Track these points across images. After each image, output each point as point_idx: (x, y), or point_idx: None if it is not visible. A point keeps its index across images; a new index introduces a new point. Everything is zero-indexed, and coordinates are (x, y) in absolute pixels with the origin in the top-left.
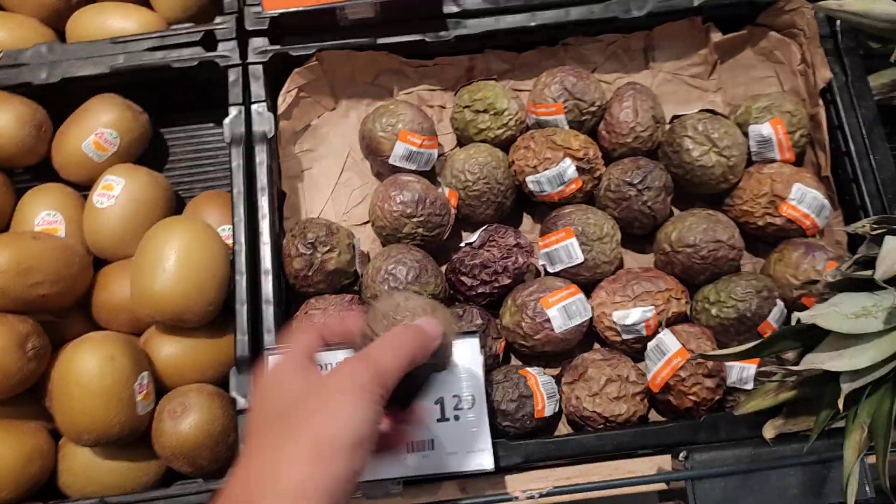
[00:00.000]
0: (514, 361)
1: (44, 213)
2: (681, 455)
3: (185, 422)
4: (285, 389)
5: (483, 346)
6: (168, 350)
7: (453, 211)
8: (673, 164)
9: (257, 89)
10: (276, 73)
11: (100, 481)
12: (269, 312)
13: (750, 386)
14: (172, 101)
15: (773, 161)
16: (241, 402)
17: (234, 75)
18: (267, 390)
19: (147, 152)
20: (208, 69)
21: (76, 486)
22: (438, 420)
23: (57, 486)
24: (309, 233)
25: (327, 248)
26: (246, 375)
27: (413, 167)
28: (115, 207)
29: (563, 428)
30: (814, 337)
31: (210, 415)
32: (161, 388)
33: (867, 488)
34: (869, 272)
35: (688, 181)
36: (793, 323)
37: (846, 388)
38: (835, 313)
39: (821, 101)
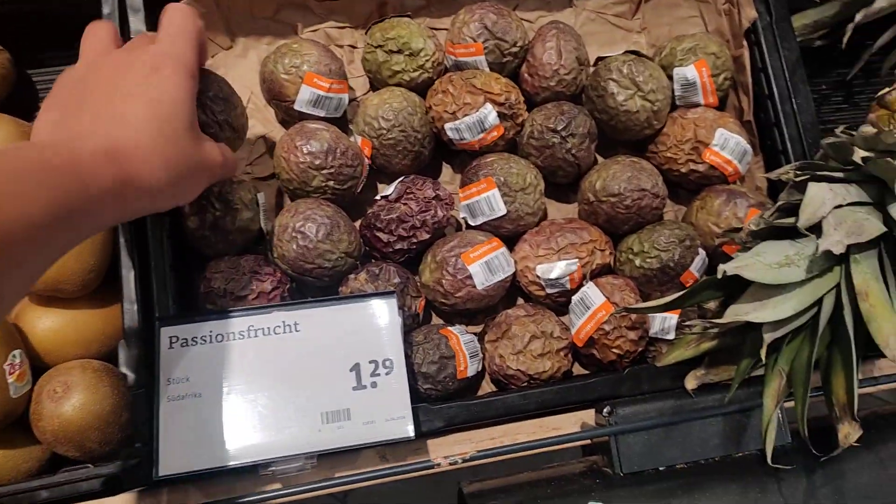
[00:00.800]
0: (435, 320)
1: None
2: (604, 410)
3: (68, 403)
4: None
5: (401, 307)
6: (46, 324)
7: (367, 162)
8: (597, 109)
9: (137, 23)
10: (160, 5)
11: None
12: (159, 278)
13: (671, 336)
14: (38, 37)
15: (697, 105)
16: (133, 378)
17: (108, 7)
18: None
19: (11, 98)
20: None
21: None
22: (354, 388)
23: None
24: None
25: (226, 205)
26: (136, 348)
27: (321, 113)
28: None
29: (487, 386)
30: (736, 286)
31: (97, 394)
32: (40, 367)
33: (785, 434)
34: (791, 219)
35: (612, 127)
36: (718, 275)
37: (768, 337)
38: (759, 263)
39: (745, 43)
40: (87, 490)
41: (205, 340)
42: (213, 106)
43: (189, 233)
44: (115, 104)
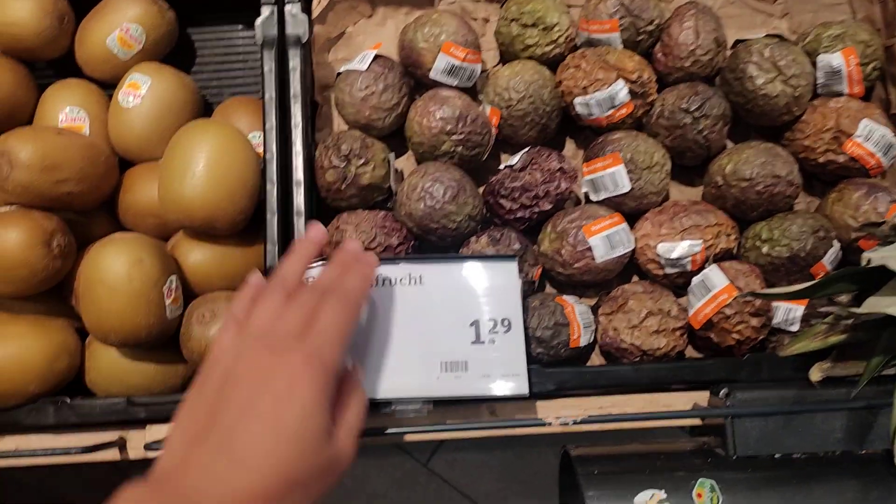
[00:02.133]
0: (549, 290)
1: (67, 109)
2: (721, 392)
3: (214, 328)
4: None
5: (520, 271)
6: (196, 257)
7: (494, 131)
8: (733, 91)
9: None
10: None
11: (126, 382)
12: (300, 224)
13: (796, 328)
14: None
15: (840, 94)
16: None
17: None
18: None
19: (173, 53)
20: None
21: (102, 384)
22: (472, 343)
23: (84, 384)
24: (343, 144)
25: (362, 162)
26: None
27: (454, 82)
28: (141, 107)
29: (596, 360)
30: (872, 280)
31: None
32: (189, 295)
33: None
34: None
35: (748, 111)
36: (862, 263)
37: None
38: None
39: None
40: None
41: None
42: None
43: (325, 186)
44: (240, 432)
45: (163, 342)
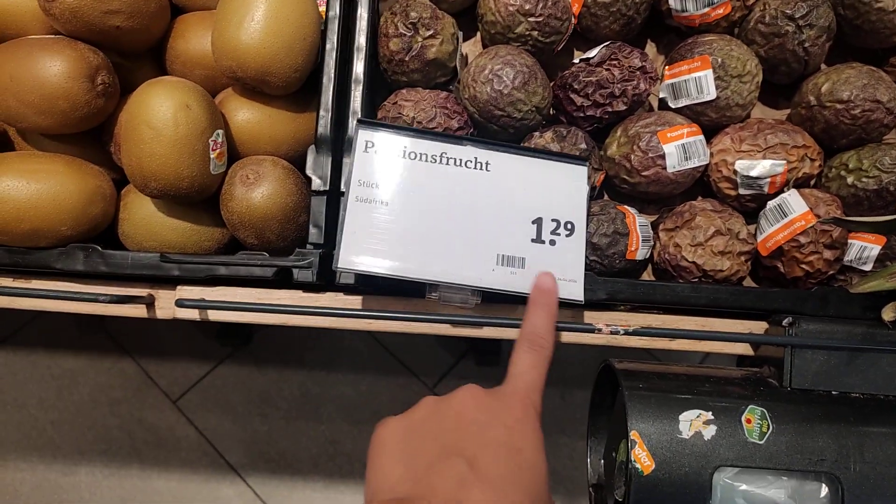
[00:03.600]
0: (607, 199)
1: None
2: (785, 321)
3: (258, 190)
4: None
5: (589, 176)
6: (245, 115)
7: (573, 20)
8: (844, 3)
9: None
10: None
11: (160, 237)
12: (357, 94)
13: (868, 267)
14: None
15: None
16: (317, 183)
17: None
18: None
19: None
20: None
21: (136, 237)
22: (533, 241)
23: (117, 237)
24: (412, 12)
25: (430, 33)
26: (324, 155)
27: None
28: None
29: (648, 277)
30: None
31: (283, 188)
32: (234, 155)
33: None
34: None
35: (856, 27)
36: None
37: None
38: None
39: None
40: (259, 276)
41: (399, 154)
42: None
43: (387, 56)
44: (481, 455)
45: (202, 199)
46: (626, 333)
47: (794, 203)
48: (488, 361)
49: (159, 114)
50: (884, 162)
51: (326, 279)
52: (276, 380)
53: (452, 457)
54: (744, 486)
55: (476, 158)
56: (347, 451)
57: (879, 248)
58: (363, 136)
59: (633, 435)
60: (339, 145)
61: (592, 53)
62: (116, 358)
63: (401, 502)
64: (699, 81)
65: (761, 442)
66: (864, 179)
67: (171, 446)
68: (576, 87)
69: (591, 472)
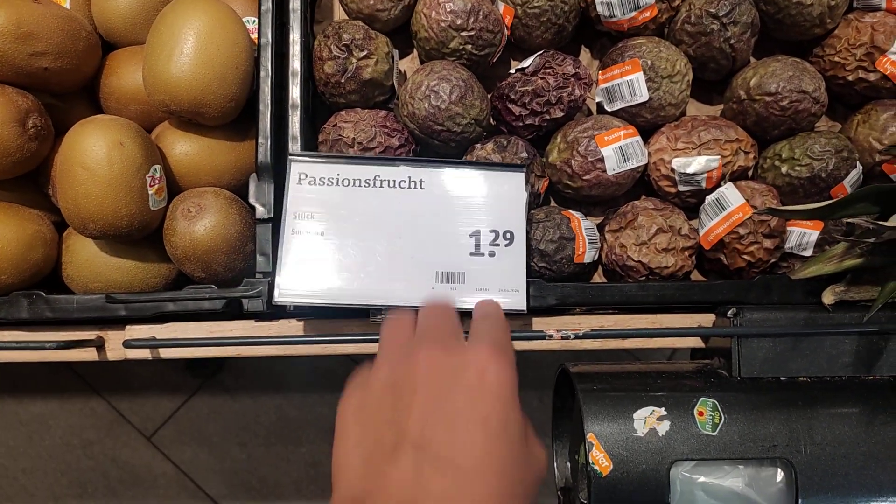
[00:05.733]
0: (554, 204)
1: None
2: (730, 312)
3: (201, 223)
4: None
5: (527, 182)
6: (183, 148)
7: (506, 31)
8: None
9: None
10: None
11: (105, 278)
12: (294, 119)
13: (808, 252)
14: None
15: (878, 9)
16: (261, 211)
17: None
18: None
19: None
20: None
21: (80, 280)
22: (472, 254)
23: (61, 280)
24: (345, 34)
25: (364, 54)
26: (266, 183)
27: None
28: None
29: (599, 279)
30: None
31: (227, 219)
32: (175, 189)
33: None
34: None
35: (778, 21)
36: (892, 176)
37: None
38: None
39: None
40: (208, 309)
41: (332, 182)
42: None
43: (323, 79)
44: (440, 432)
45: (145, 236)
46: (577, 337)
47: (731, 196)
48: None
49: (92, 154)
50: (814, 150)
51: (278, 307)
52: (251, 406)
53: (406, 443)
54: (702, 478)
55: (410, 178)
56: (329, 472)
57: (818, 233)
58: (296, 169)
59: (590, 437)
60: (280, 171)
61: (527, 63)
62: (86, 398)
63: (355, 502)
64: (631, 84)
65: (714, 433)
66: (797, 168)
67: (149, 483)
68: (513, 97)
69: (559, 475)
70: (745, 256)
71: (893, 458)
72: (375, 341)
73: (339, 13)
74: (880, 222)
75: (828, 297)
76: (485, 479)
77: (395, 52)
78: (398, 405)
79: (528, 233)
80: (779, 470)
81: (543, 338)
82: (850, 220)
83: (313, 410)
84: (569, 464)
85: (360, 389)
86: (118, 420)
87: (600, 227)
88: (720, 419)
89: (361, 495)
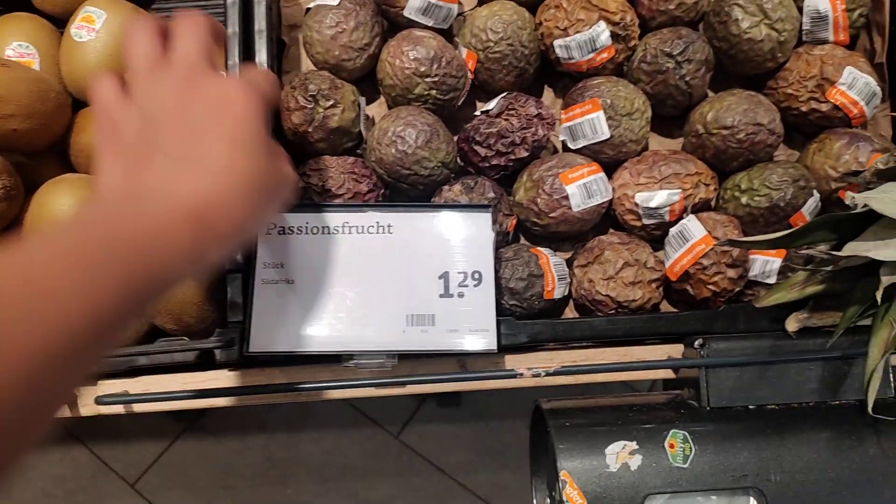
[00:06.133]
0: (524, 242)
1: (15, 44)
2: (696, 342)
3: None
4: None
5: (494, 222)
6: None
7: (470, 75)
8: (717, 36)
9: None
10: None
11: None
12: None
13: (772, 280)
14: None
15: (825, 42)
16: (231, 261)
17: None
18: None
19: None
20: None
21: None
22: (441, 296)
23: None
24: (311, 84)
25: (330, 103)
26: None
27: (429, 23)
28: (95, 42)
29: (570, 313)
30: (853, 229)
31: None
32: None
33: (888, 387)
34: None
35: (731, 57)
36: (847, 202)
37: (886, 280)
38: (888, 198)
39: None
40: (181, 361)
41: (301, 230)
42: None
43: (291, 128)
44: (190, 144)
45: None
46: (548, 374)
47: (693, 228)
48: (450, 402)
49: (62, 213)
50: (772, 180)
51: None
52: (237, 448)
53: (158, 154)
54: None
55: (378, 223)
56: None
57: (780, 260)
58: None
59: (563, 475)
60: None
61: (491, 105)
62: (67, 447)
63: (116, 203)
64: (593, 123)
65: (686, 465)
66: (756, 198)
67: None
68: (478, 139)
69: None
70: (710, 287)
71: (861, 482)
72: (349, 386)
73: (306, 64)
74: (834, 252)
75: (791, 325)
76: (229, 178)
77: (362, 100)
78: (151, 126)
79: (497, 271)
80: (751, 498)
81: (514, 376)
82: (807, 252)
83: (299, 449)
84: (548, 500)
85: (115, 110)
86: (101, 468)
87: (569, 262)
88: (691, 451)
89: (122, 195)
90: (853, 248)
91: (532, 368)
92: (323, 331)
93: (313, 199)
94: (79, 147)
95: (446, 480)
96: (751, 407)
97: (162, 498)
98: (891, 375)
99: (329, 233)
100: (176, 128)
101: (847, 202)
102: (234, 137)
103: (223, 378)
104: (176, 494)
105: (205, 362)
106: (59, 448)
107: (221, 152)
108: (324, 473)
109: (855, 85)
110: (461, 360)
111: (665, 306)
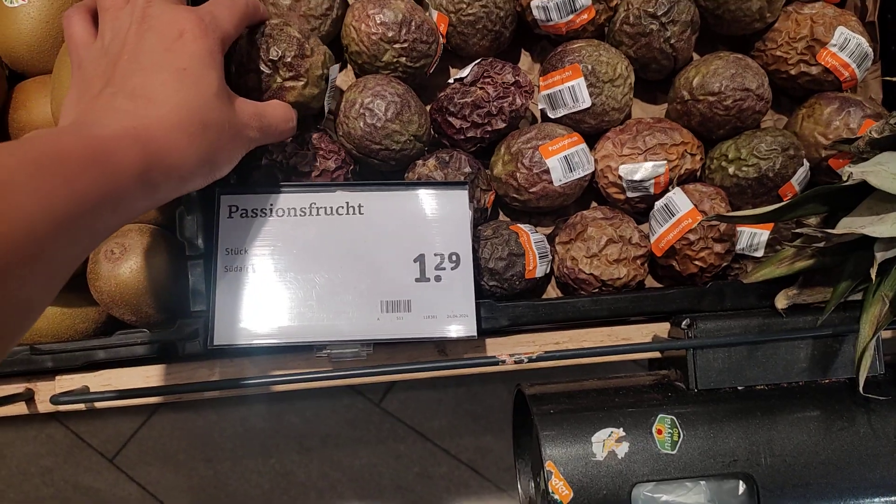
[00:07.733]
0: (503, 217)
1: None
2: (683, 323)
3: (126, 265)
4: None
5: (471, 199)
6: None
7: (442, 40)
8: None
9: None
10: None
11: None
12: None
13: (760, 253)
14: None
15: (816, 0)
16: (192, 247)
17: None
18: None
19: None
20: None
21: None
22: (417, 280)
23: None
24: (274, 48)
25: (291, 75)
26: (195, 215)
27: None
28: (29, 8)
29: (553, 292)
30: (844, 201)
31: (155, 258)
32: None
33: (879, 364)
34: None
35: (717, 17)
36: (843, 178)
37: (880, 256)
38: (884, 171)
39: None
40: (142, 354)
41: (265, 213)
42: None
43: (243, 87)
44: (138, 77)
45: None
46: (531, 360)
47: (680, 202)
48: None
49: None
50: (760, 149)
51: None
52: (215, 420)
53: (108, 87)
54: (664, 497)
55: (348, 203)
56: (301, 480)
57: (768, 233)
58: (225, 202)
59: (549, 465)
60: (209, 203)
61: (465, 73)
62: (42, 424)
63: (60, 130)
64: (573, 90)
65: (674, 452)
66: (744, 168)
67: None
68: (452, 109)
69: (522, 495)
70: (696, 262)
71: (851, 464)
72: (323, 378)
73: None
74: (828, 230)
75: (780, 302)
76: (170, 108)
77: (335, 69)
78: (108, 61)
79: (476, 251)
80: (740, 482)
81: (497, 363)
82: (799, 230)
83: (280, 419)
84: (531, 483)
85: (82, 47)
86: (77, 444)
87: (550, 238)
88: (679, 436)
89: (70, 123)
90: (847, 225)
91: (514, 355)
92: (293, 321)
93: (277, 178)
94: (18, 124)
95: (430, 446)
96: (740, 388)
97: (141, 472)
98: (881, 354)
99: (295, 215)
100: (129, 62)
101: (843, 177)
102: (181, 70)
103: (187, 371)
104: (155, 468)
105: (168, 354)
106: (33, 425)
107: (166, 85)
108: (305, 443)
109: (847, 46)
110: (441, 346)
111: (651, 281)
